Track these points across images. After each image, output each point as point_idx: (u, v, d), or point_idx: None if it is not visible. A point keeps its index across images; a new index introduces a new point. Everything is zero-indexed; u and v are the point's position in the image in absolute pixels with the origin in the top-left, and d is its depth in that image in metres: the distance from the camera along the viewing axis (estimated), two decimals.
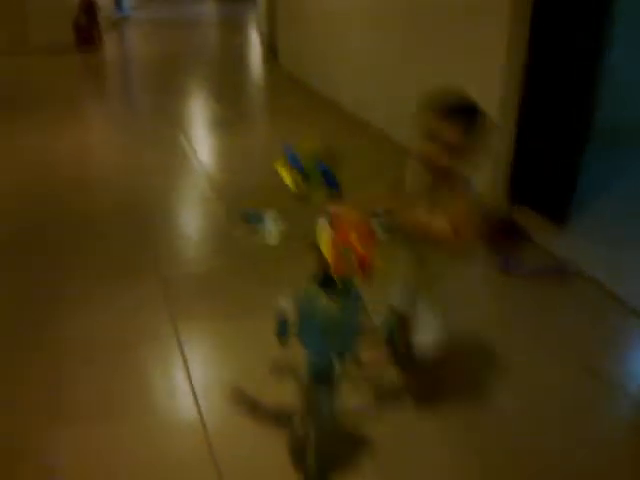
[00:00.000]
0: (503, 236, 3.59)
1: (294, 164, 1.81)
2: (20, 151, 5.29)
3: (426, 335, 2.26)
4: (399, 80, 5.11)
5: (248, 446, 2.22)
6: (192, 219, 4.22)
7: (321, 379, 1.98)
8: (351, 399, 2.32)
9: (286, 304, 1.96)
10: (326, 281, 1.87)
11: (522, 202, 3.97)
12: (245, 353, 2.70)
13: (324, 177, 1.83)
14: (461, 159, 1.99)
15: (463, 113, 1.98)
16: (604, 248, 3.55)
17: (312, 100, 6.66)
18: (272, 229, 1.85)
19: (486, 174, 4.06)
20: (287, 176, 1.82)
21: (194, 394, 2.46)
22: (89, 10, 9.48)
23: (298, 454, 2.14)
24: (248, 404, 2.40)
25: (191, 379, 2.54)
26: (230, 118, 6.28)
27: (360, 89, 5.86)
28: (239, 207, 2.16)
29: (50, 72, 8.33)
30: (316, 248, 1.82)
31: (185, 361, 2.65)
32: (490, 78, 3.88)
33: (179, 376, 2.57)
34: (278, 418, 2.30)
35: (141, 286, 3.20)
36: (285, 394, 2.32)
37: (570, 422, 2.37)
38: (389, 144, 5.12)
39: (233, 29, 12.58)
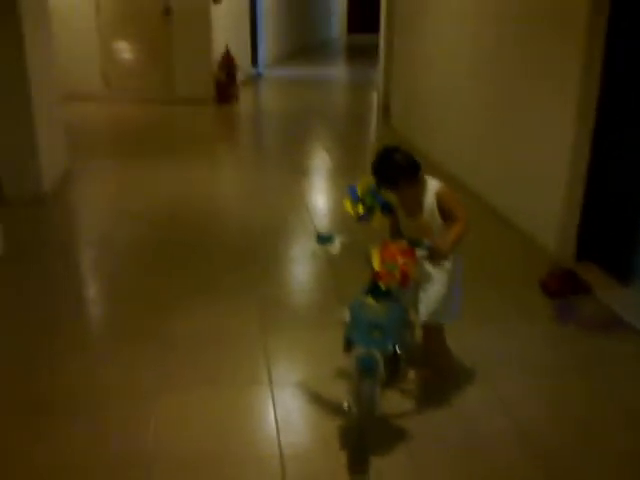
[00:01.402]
0: (564, 286, 3.94)
1: (354, 197, 2.42)
2: (163, 182, 6.35)
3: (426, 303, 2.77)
4: (490, 151, 5.59)
5: (310, 424, 2.77)
6: (292, 245, 4.97)
7: (366, 370, 2.50)
8: (395, 397, 2.83)
9: (346, 313, 2.55)
10: (374, 289, 2.45)
11: (588, 258, 4.30)
12: (318, 355, 3.27)
13: (377, 200, 2.42)
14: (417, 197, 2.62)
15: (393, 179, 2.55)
16: None
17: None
18: (337, 245, 2.48)
19: (555, 231, 4.44)
20: (349, 206, 2.43)
21: (270, 381, 3.05)
22: (229, 69, 10.70)
23: (346, 436, 2.65)
24: (313, 394, 2.96)
25: (270, 373, 3.14)
26: (338, 168, 7.03)
27: (459, 151, 6.37)
28: (317, 231, 2.75)
29: (191, 120, 9.57)
30: (369, 264, 2.42)
31: (267, 357, 3.26)
32: (562, 146, 4.31)
33: (261, 366, 3.17)
34: (334, 406, 2.83)
35: (244, 295, 3.92)
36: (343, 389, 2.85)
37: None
38: (484, 206, 5.59)
39: (357, 90, 13.53)
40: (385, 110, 9.48)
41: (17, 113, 5.28)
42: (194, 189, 6.16)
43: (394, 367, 2.88)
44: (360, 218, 2.48)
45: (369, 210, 2.48)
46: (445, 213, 2.67)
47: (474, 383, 3.08)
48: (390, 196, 2.50)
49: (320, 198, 6.26)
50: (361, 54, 18.07)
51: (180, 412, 2.85)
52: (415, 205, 2.68)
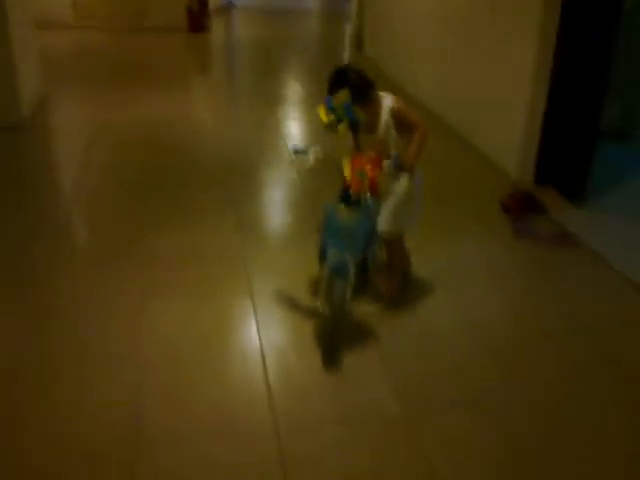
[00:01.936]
0: (521, 206, 4.24)
1: (328, 106, 2.63)
2: (138, 109, 6.45)
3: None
4: (453, 73, 5.79)
5: (288, 326, 3.06)
6: (268, 159, 5.27)
7: (338, 271, 2.77)
8: (364, 303, 3.13)
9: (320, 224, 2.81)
10: (346, 197, 2.70)
11: (546, 182, 4.60)
12: (294, 265, 3.54)
13: (347, 114, 2.63)
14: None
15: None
16: (607, 225, 4.14)
17: (386, 84, 7.40)
18: (311, 157, 2.70)
19: (516, 156, 4.72)
20: (322, 112, 2.65)
21: (250, 291, 3.32)
22: None
23: (319, 334, 2.95)
24: (290, 300, 3.24)
25: (250, 283, 3.40)
26: (310, 96, 7.18)
27: (423, 79, 6.56)
28: (293, 145, 2.95)
29: (163, 49, 9.52)
30: (341, 173, 2.66)
31: (247, 269, 3.52)
32: (523, 76, 4.53)
33: (241, 277, 3.43)
34: (309, 309, 3.12)
35: (222, 214, 4.14)
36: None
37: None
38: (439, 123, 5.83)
39: (330, 21, 13.44)
40: (358, 40, 9.53)
41: None
42: (169, 116, 6.27)
43: (363, 277, 3.20)
44: (328, 126, 2.69)
45: (338, 121, 2.68)
46: (402, 126, 2.86)
47: (437, 288, 3.40)
48: (360, 114, 2.69)
49: (292, 123, 6.46)
50: None
51: (165, 319, 3.10)
52: (372, 122, 2.87)
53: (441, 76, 6.23)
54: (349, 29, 11.37)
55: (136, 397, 2.58)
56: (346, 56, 9.91)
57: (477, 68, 5.38)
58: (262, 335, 2.98)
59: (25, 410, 2.50)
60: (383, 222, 3.05)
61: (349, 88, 2.65)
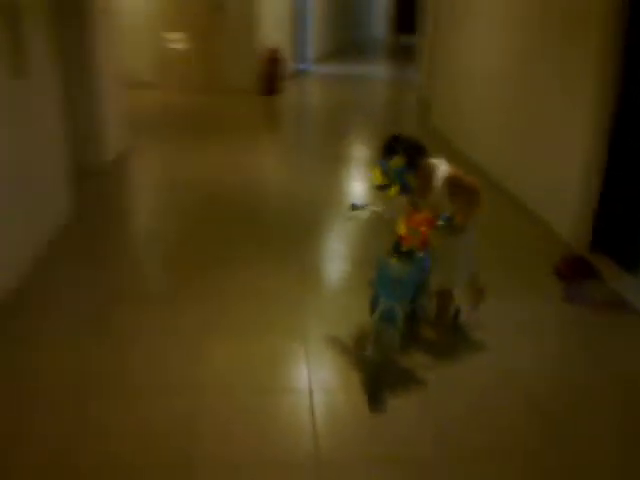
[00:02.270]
0: (575, 271, 4.29)
1: (383, 168, 2.86)
2: (212, 162, 6.95)
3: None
4: (512, 139, 5.95)
5: (336, 368, 3.21)
6: (330, 215, 5.56)
7: (387, 319, 2.92)
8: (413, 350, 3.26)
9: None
10: (398, 250, 2.88)
11: (601, 250, 4.64)
12: (347, 313, 3.71)
13: (399, 179, 2.85)
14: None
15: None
16: None
17: (452, 155, 7.64)
18: (367, 214, 2.93)
19: (571, 222, 4.79)
20: (376, 175, 2.88)
21: (304, 333, 3.49)
22: (274, 62, 11.19)
23: (366, 378, 3.08)
24: (341, 345, 3.40)
25: (305, 326, 3.58)
26: (371, 158, 7.46)
27: (486, 147, 6.74)
28: (352, 201, 3.19)
29: (237, 109, 10.14)
30: (393, 229, 2.86)
31: (303, 313, 3.70)
32: (581, 137, 4.67)
33: (297, 320, 3.62)
34: (358, 355, 3.27)
35: (284, 262, 4.37)
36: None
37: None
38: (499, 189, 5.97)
39: (399, 87, 13.91)
40: (426, 109, 9.81)
41: (90, 95, 5.95)
42: (241, 170, 6.71)
43: (413, 328, 3.34)
44: (380, 187, 2.92)
45: (390, 183, 2.91)
46: (456, 188, 3.03)
47: (486, 349, 3.47)
48: (411, 180, 2.91)
49: (355, 182, 6.75)
50: (404, 54, 18.40)
51: (222, 351, 3.33)
52: (423, 187, 3.05)
53: (501, 143, 6.41)
54: (416, 96, 11.75)
55: (190, 425, 2.77)
56: (414, 124, 10.22)
57: (535, 131, 5.54)
58: (312, 375, 3.14)
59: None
60: (443, 276, 3.21)
61: (403, 153, 2.87)
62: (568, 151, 4.91)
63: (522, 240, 5.10)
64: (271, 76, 11.21)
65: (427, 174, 3.03)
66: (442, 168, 3.07)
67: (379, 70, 16.73)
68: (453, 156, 3.19)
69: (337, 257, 4.77)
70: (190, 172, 6.47)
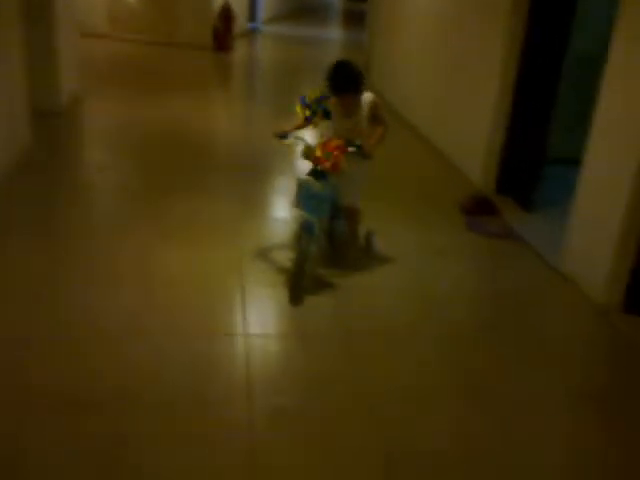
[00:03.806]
0: (478, 207, 5.00)
1: (303, 103, 3.44)
2: (164, 108, 7.44)
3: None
4: (440, 106, 6.63)
5: (265, 273, 3.84)
6: (265, 150, 6.16)
7: (306, 230, 3.55)
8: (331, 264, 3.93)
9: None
10: (315, 172, 3.49)
11: (504, 192, 5.37)
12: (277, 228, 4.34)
13: (319, 106, 3.45)
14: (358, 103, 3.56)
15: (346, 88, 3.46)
16: (545, 227, 4.89)
17: (387, 112, 8.33)
18: (291, 140, 3.53)
19: (480, 169, 5.51)
20: (299, 110, 3.45)
21: (241, 245, 4.10)
22: (226, 19, 11.55)
23: (289, 280, 3.72)
24: (271, 255, 4.02)
25: (241, 240, 4.19)
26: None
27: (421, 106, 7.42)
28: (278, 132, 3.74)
29: (189, 63, 10.56)
30: (313, 153, 3.45)
31: (238, 232, 4.30)
32: (488, 106, 5.36)
33: (234, 236, 4.22)
34: (284, 262, 3.90)
35: (219, 175, 5.04)
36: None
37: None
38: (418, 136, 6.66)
39: (347, 50, 14.39)
40: (367, 69, 10.39)
41: (45, 42, 6.25)
42: (191, 116, 7.23)
43: (333, 243, 3.97)
44: (306, 119, 3.51)
45: (313, 114, 3.49)
46: (373, 118, 3.63)
47: (395, 262, 4.15)
48: (329, 105, 3.51)
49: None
50: (355, 20, 18.83)
51: (170, 259, 3.91)
52: (353, 108, 3.62)
53: (428, 102, 7.08)
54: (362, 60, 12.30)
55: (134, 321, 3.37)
56: None
57: (454, 92, 6.22)
58: (244, 279, 3.76)
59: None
60: (350, 196, 3.83)
61: (326, 81, 3.45)
62: (479, 110, 5.62)
63: (440, 184, 5.81)
64: (224, 32, 11.55)
65: (359, 98, 3.57)
66: (368, 94, 3.64)
67: (331, 33, 17.17)
68: (388, 113, 3.78)
69: (270, 185, 5.49)
70: (140, 116, 6.95)
